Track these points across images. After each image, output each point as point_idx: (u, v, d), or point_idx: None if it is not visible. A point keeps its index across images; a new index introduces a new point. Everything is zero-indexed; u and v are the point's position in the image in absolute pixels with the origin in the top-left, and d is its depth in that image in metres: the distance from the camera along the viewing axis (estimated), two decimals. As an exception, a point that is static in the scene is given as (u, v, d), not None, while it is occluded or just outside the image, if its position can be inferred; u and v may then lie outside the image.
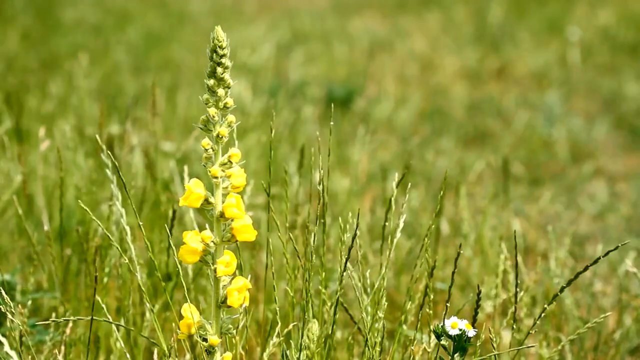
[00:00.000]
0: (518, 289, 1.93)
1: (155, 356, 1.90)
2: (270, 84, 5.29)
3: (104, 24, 7.12)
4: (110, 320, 1.82)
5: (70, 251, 2.64)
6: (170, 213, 2.26)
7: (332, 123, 1.88)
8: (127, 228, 1.90)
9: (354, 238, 1.87)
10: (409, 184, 2.06)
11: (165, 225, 1.98)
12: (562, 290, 1.84)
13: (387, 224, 2.05)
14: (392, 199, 2.00)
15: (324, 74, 5.86)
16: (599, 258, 1.83)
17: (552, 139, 4.77)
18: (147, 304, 1.84)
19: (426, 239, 1.93)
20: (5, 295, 1.82)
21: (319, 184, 1.88)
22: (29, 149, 3.72)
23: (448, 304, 1.85)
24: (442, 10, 7.80)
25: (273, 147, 1.89)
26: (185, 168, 2.36)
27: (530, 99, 5.51)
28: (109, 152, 1.82)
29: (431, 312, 1.95)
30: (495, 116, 5.23)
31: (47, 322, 1.77)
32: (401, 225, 1.95)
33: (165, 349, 1.84)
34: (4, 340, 1.87)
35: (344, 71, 6.01)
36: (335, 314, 1.91)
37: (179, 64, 5.85)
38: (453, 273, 1.86)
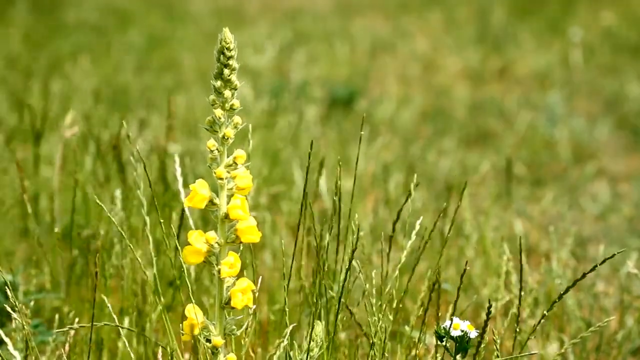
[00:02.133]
0: (521, 292, 1.93)
1: (160, 356, 1.90)
2: (272, 84, 5.30)
3: (106, 24, 7.13)
4: (116, 321, 1.82)
5: (75, 252, 2.64)
6: (174, 214, 2.26)
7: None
8: (147, 218, 1.90)
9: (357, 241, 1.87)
10: (412, 185, 2.06)
11: (172, 226, 1.98)
12: (566, 291, 1.84)
13: (386, 223, 2.05)
14: (402, 203, 2.01)
15: (326, 75, 5.86)
16: (603, 261, 1.83)
17: (554, 140, 4.78)
18: (158, 303, 1.85)
19: (428, 240, 1.94)
20: (11, 295, 1.83)
21: (335, 194, 1.89)
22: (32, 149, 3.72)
23: (452, 316, 1.85)
24: (444, 11, 7.80)
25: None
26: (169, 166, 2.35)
27: (533, 99, 5.52)
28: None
29: (438, 313, 1.95)
30: (497, 117, 5.23)
31: (65, 329, 1.78)
32: (413, 237, 1.95)
33: (169, 349, 1.84)
34: (7, 340, 1.88)
35: (346, 72, 6.01)
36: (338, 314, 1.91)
37: (181, 65, 5.86)
38: (458, 289, 1.87)
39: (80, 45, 6.20)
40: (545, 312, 1.86)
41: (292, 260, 1.87)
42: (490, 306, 1.82)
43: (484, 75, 6.06)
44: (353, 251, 1.89)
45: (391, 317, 1.90)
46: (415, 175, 1.96)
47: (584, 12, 7.50)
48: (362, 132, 1.69)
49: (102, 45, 6.36)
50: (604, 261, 1.82)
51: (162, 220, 1.80)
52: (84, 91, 4.89)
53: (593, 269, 1.83)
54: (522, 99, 5.54)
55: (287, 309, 1.87)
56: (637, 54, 6.36)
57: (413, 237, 1.95)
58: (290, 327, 1.85)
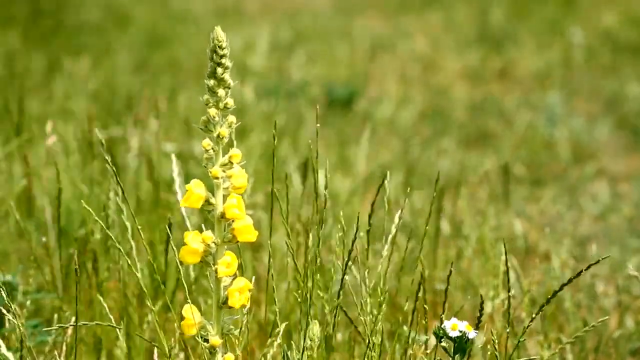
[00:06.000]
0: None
1: (155, 356, 1.90)
2: (271, 84, 5.29)
3: (106, 25, 7.12)
4: (112, 322, 1.82)
5: (72, 252, 2.63)
6: (170, 216, 2.26)
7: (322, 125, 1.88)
8: (128, 224, 1.90)
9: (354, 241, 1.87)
10: (410, 186, 2.06)
11: (167, 227, 1.98)
12: (559, 290, 1.84)
13: (385, 224, 2.05)
14: (385, 197, 2.00)
15: (326, 75, 5.86)
16: (597, 261, 1.83)
17: (554, 140, 4.77)
18: (150, 305, 1.85)
19: (423, 242, 1.93)
20: (4, 296, 1.83)
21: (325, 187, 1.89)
22: (30, 150, 3.72)
23: (443, 316, 1.85)
24: (444, 11, 7.80)
25: (274, 148, 1.89)
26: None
27: (532, 99, 5.51)
28: (109, 154, 1.83)
29: (426, 315, 1.95)
30: (497, 117, 5.23)
31: (54, 328, 1.77)
32: (396, 220, 1.95)
33: (166, 349, 1.84)
34: (0, 341, 1.87)
35: (345, 71, 6.01)
36: (335, 315, 1.91)
37: (181, 65, 5.85)
38: (446, 290, 1.86)
39: (80, 45, 6.20)
40: (534, 314, 1.85)
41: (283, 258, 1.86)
42: (482, 302, 1.82)
43: (484, 75, 6.05)
44: (350, 251, 1.89)
45: (380, 315, 1.89)
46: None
47: (584, 12, 7.49)
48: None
49: (102, 45, 6.36)
50: (588, 265, 1.81)
51: (139, 227, 1.80)
52: (83, 91, 4.88)
53: (586, 269, 1.82)
54: (522, 99, 5.53)
55: (277, 310, 1.86)
56: (637, 54, 6.35)
57: (393, 230, 1.95)
58: (282, 326, 1.85)
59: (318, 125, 1.84)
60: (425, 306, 1.94)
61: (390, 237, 1.95)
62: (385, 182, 1.99)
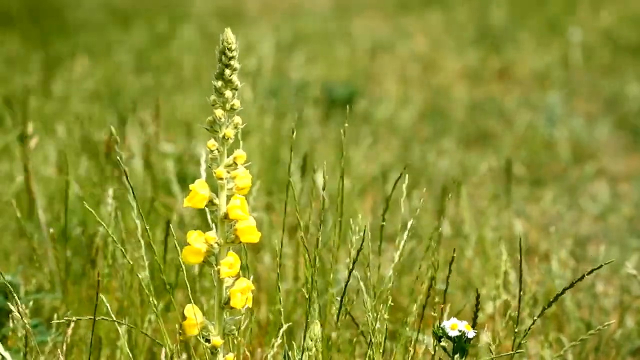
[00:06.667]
0: (520, 292, 1.93)
1: (162, 356, 1.90)
2: (271, 84, 5.29)
3: (106, 24, 7.12)
4: (114, 319, 1.82)
5: (71, 252, 2.64)
6: (171, 216, 2.27)
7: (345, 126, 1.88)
8: (138, 222, 1.90)
9: (362, 241, 1.87)
10: (410, 186, 2.06)
11: (169, 226, 1.98)
12: (562, 293, 1.84)
13: (386, 224, 2.05)
14: (388, 200, 2.00)
15: (326, 75, 5.86)
16: (598, 267, 1.82)
17: (554, 140, 4.77)
18: (152, 303, 1.85)
19: (431, 242, 1.94)
20: (13, 295, 1.83)
21: (323, 188, 1.89)
22: (30, 149, 3.72)
23: (439, 317, 1.85)
24: (444, 11, 7.80)
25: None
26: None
27: (532, 99, 5.52)
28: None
29: (434, 313, 1.95)
30: (497, 117, 5.23)
31: (59, 320, 1.77)
32: (409, 226, 1.96)
33: (168, 349, 1.84)
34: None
35: (345, 72, 6.01)
36: (339, 316, 1.91)
37: (181, 65, 5.85)
38: (445, 291, 1.86)
39: (80, 46, 6.20)
40: (536, 317, 1.85)
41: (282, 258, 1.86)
42: (478, 296, 1.82)
43: (484, 75, 6.06)
44: (358, 251, 1.89)
45: (386, 316, 1.90)
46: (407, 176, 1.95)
47: (584, 12, 7.50)
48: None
49: (102, 45, 6.36)
50: (596, 268, 1.81)
51: (147, 227, 1.81)
52: (84, 91, 4.89)
53: (592, 272, 1.82)
54: (521, 99, 5.54)
55: (281, 309, 1.87)
56: (637, 54, 6.36)
57: (405, 236, 1.95)
58: (285, 327, 1.85)
59: (344, 128, 1.84)
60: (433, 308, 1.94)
61: (402, 242, 1.94)
62: (391, 184, 1.99)
